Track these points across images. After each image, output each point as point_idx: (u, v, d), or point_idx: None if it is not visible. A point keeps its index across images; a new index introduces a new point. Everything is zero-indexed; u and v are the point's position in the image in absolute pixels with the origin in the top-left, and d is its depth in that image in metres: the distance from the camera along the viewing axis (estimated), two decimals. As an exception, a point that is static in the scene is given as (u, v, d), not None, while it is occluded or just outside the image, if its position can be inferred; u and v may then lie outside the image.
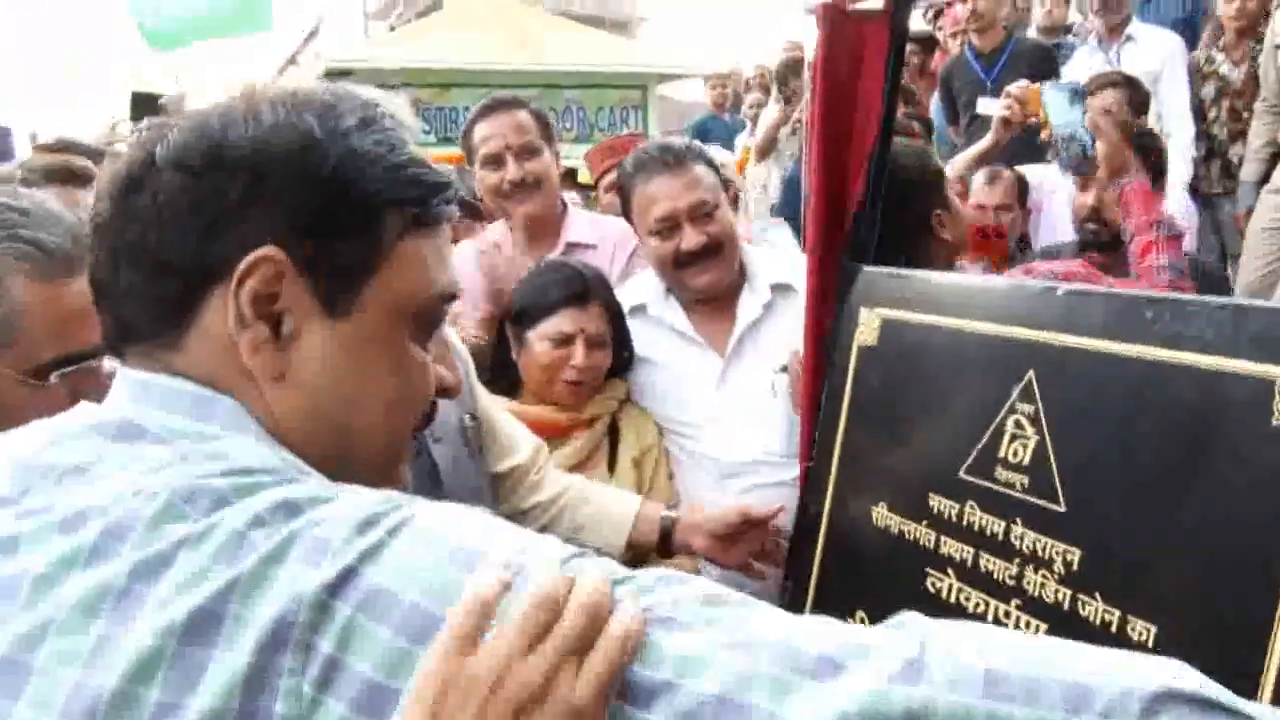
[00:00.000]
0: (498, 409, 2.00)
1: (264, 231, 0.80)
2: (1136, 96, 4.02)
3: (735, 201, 2.39)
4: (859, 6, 1.90)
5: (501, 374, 2.27)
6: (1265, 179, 4.57)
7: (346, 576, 0.68)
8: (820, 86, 1.94)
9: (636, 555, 2.00)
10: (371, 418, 0.87)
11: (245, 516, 0.71)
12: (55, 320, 1.21)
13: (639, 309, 2.38)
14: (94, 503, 0.73)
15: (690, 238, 2.21)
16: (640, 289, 2.43)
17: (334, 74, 9.13)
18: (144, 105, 4.18)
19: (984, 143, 3.92)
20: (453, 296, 0.92)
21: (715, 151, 3.10)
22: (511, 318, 2.26)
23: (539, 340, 2.17)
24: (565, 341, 2.14)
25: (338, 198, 0.83)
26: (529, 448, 1.97)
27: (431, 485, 1.66)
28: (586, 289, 2.19)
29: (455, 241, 3.02)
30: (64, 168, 1.98)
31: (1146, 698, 0.68)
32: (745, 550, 1.97)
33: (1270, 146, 4.59)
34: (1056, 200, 4.03)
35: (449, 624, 0.68)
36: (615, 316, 2.25)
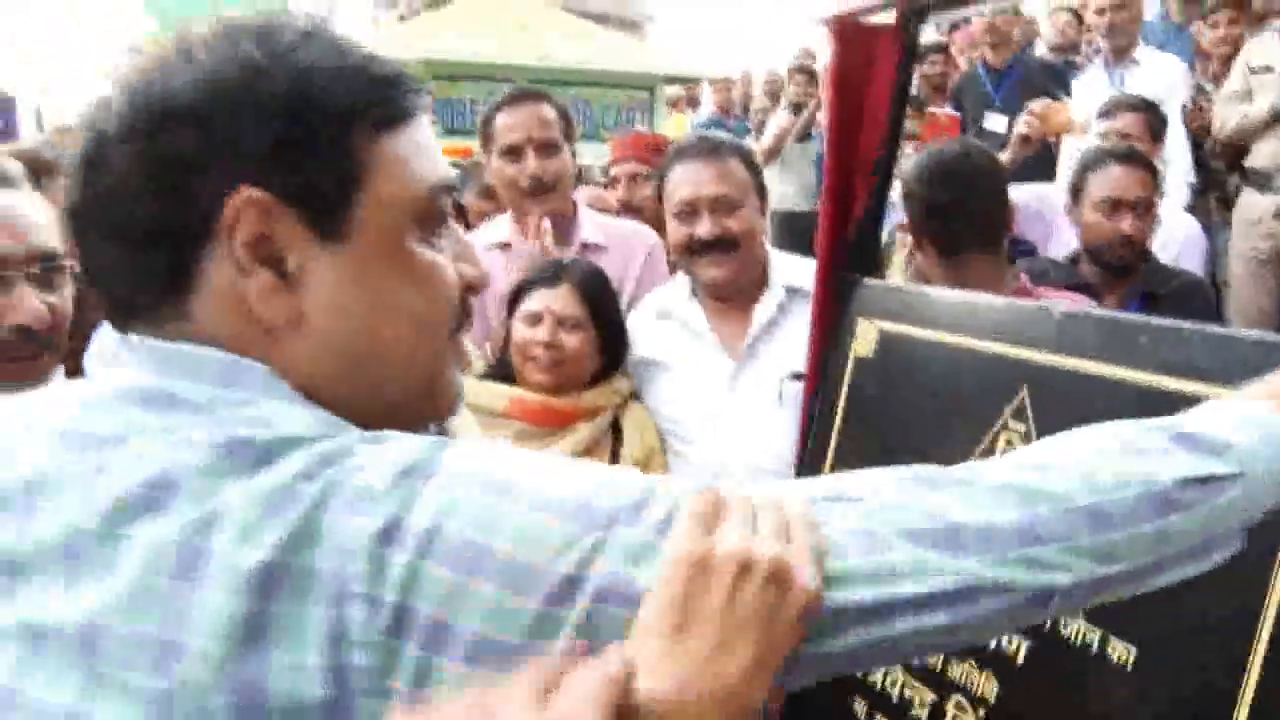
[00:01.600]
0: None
1: (235, 174, 0.76)
2: (1155, 121, 3.95)
3: (765, 209, 2.41)
4: (871, 20, 1.91)
5: (500, 368, 2.31)
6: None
7: (395, 524, 0.68)
8: (833, 98, 1.96)
9: None
10: (403, 336, 0.83)
11: (291, 470, 0.70)
12: None
13: (665, 312, 2.41)
14: (140, 468, 0.71)
15: (705, 226, 2.24)
16: (668, 292, 2.47)
17: None
18: None
19: (1001, 158, 3.91)
20: (450, 187, 0.88)
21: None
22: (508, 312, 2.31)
23: (516, 324, 2.24)
24: (536, 320, 2.20)
25: (299, 119, 0.78)
26: None
27: None
28: (558, 271, 2.26)
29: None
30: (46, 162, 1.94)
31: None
32: None
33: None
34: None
35: (689, 511, 0.72)
36: (595, 304, 2.27)
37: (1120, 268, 3.03)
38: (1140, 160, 3.09)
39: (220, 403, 0.75)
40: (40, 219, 1.45)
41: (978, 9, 2.05)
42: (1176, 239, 3.81)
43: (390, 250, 0.82)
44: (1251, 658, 1.14)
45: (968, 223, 2.38)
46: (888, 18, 1.87)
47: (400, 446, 0.74)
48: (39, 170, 1.88)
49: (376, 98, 0.82)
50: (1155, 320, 1.37)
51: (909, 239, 3.10)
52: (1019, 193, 4.14)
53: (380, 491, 0.69)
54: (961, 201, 2.38)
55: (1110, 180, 3.04)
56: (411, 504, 0.69)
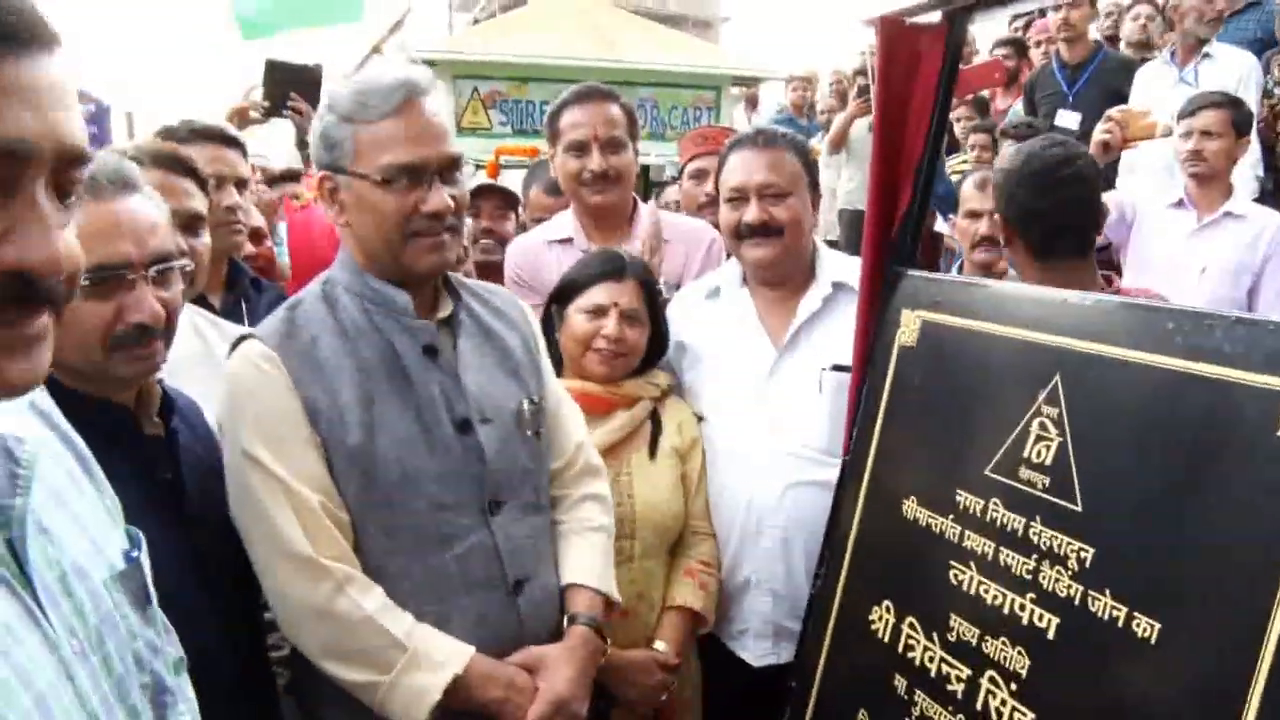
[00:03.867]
0: (566, 402, 2.04)
1: None
2: (1238, 116, 3.81)
3: (817, 203, 2.48)
4: (916, 20, 1.97)
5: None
6: None
7: None
8: (879, 96, 2.02)
9: None
10: None
11: None
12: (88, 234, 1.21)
13: (714, 293, 2.49)
14: None
15: (752, 212, 2.32)
16: (719, 275, 2.54)
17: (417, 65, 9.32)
18: (280, 73, 4.07)
19: None
20: (12, 153, 0.69)
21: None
22: (555, 299, 2.36)
23: (576, 313, 2.28)
24: (600, 313, 2.25)
25: None
26: (571, 450, 1.98)
27: (476, 463, 1.73)
28: (622, 265, 2.30)
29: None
30: (170, 154, 2.08)
31: None
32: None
33: None
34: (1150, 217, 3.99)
35: None
36: (652, 298, 2.34)
37: None
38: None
39: None
40: (159, 220, 1.56)
41: (1019, 7, 2.07)
42: (1265, 236, 3.78)
43: None
44: (1269, 629, 1.19)
45: (1062, 228, 2.28)
46: (933, 17, 1.93)
47: None
48: (170, 166, 2.02)
49: None
50: (1179, 307, 1.41)
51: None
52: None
53: None
54: (1060, 207, 2.27)
55: None
56: None
